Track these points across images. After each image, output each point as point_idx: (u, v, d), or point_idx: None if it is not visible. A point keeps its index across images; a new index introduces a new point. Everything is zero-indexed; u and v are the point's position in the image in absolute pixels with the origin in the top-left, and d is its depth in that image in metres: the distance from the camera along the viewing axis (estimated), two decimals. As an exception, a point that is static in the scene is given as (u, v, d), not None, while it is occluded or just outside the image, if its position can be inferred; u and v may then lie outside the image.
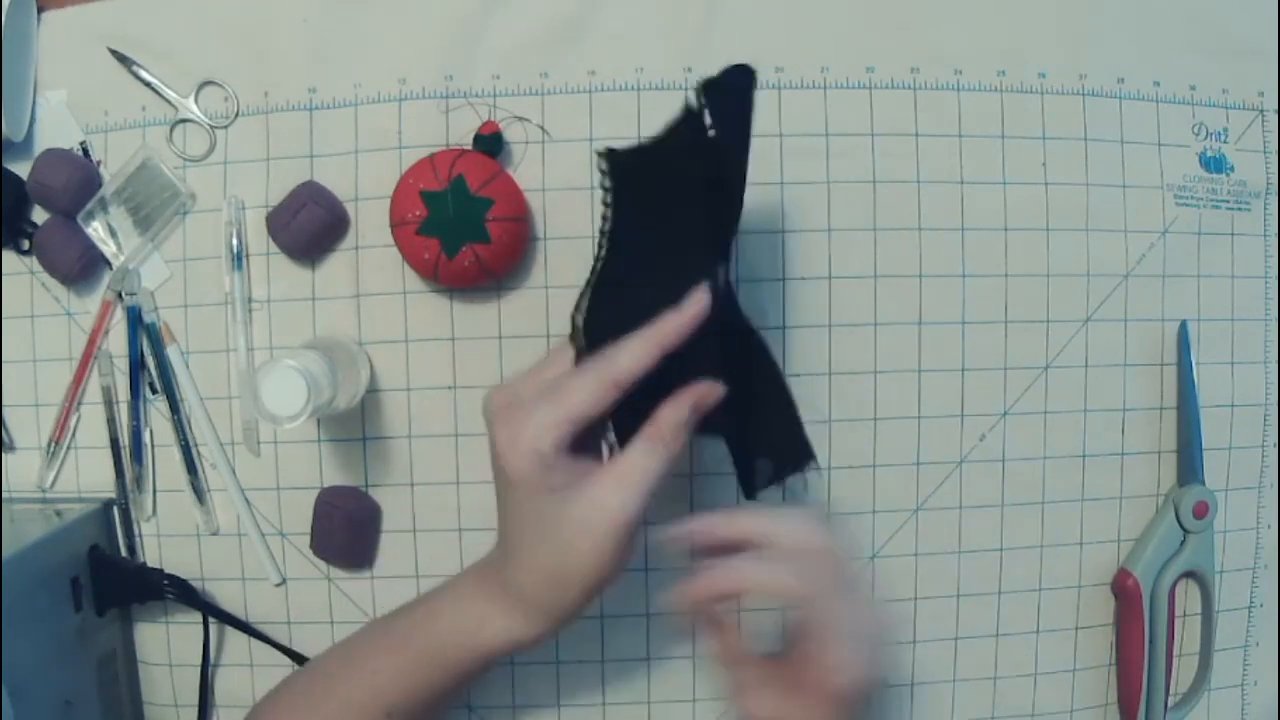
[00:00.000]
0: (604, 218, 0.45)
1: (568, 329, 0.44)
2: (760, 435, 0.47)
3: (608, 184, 0.44)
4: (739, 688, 0.43)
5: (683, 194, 0.43)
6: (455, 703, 0.53)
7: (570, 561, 0.40)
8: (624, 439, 0.42)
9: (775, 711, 0.42)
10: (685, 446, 0.42)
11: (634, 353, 0.41)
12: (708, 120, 0.41)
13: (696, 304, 0.42)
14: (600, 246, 0.45)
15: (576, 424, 0.40)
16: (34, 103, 0.53)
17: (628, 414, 0.42)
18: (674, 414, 0.41)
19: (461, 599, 0.45)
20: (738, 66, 0.42)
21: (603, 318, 0.44)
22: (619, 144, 0.44)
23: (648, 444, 0.41)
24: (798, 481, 0.49)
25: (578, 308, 0.44)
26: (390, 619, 0.48)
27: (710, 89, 0.41)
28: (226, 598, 0.55)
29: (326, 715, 0.46)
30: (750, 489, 0.47)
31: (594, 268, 0.45)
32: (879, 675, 0.41)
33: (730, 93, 0.42)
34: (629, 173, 0.44)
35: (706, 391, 0.42)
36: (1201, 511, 0.55)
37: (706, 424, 0.43)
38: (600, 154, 0.44)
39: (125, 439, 0.54)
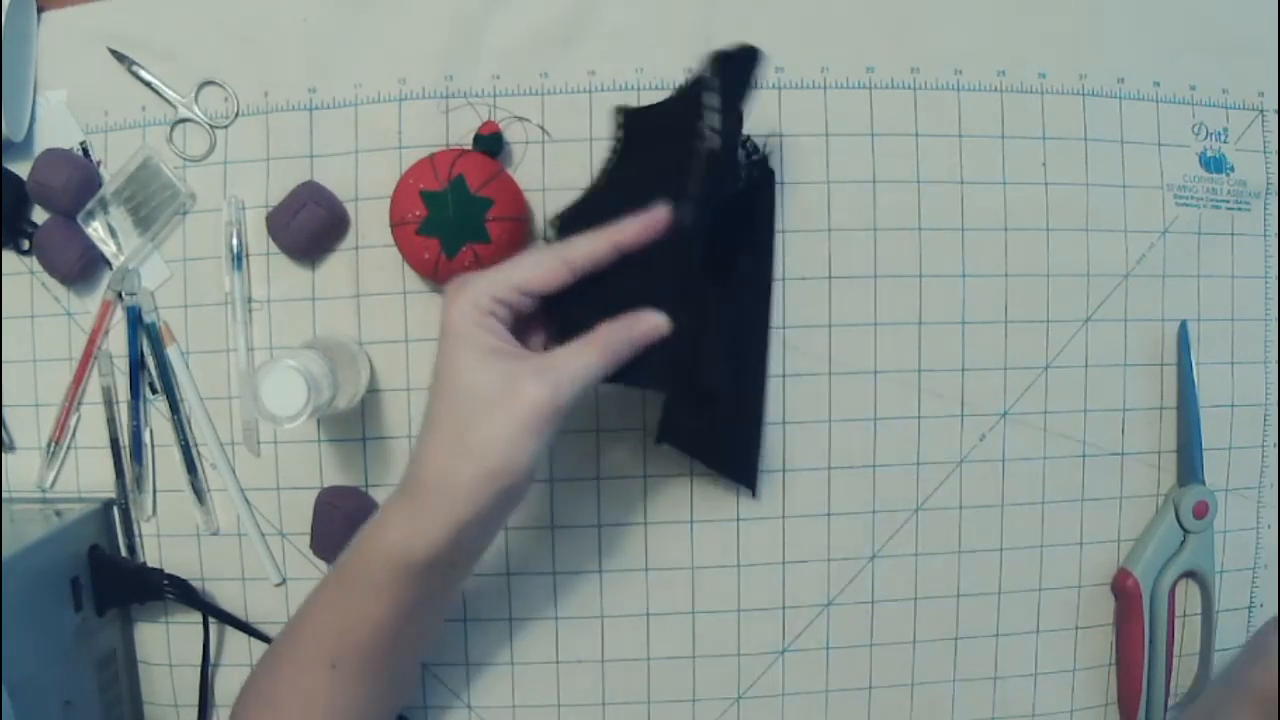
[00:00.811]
0: (606, 159, 0.49)
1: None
2: (720, 435, 0.50)
3: (619, 135, 0.48)
4: None
5: (675, 148, 0.45)
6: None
7: (479, 438, 0.39)
8: None
9: None
10: (621, 359, 0.42)
11: (589, 241, 0.43)
12: (713, 89, 0.44)
13: (657, 214, 0.43)
14: (594, 180, 0.49)
15: (520, 290, 0.41)
16: (34, 103, 0.53)
17: (574, 332, 0.43)
18: (611, 329, 0.42)
19: (385, 504, 0.43)
20: (747, 47, 0.46)
21: (575, 231, 0.45)
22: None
23: (578, 346, 0.41)
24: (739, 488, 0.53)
25: (556, 217, 0.47)
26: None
27: (720, 60, 0.45)
28: (226, 598, 0.55)
29: (285, 678, 0.45)
30: (666, 434, 0.49)
31: (583, 193, 0.48)
32: None
33: (735, 67, 0.45)
34: (636, 126, 0.48)
35: (650, 322, 0.43)
36: (1201, 511, 0.55)
37: (646, 371, 0.43)
38: (617, 109, 0.48)
39: (125, 439, 0.54)
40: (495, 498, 0.40)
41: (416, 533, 0.41)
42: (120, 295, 0.53)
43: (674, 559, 0.54)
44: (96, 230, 0.53)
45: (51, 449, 0.54)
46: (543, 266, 0.42)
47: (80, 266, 0.52)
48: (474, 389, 0.40)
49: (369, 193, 0.53)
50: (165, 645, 0.55)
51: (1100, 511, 0.56)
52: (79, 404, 0.54)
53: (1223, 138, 0.56)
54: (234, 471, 0.54)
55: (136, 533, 0.54)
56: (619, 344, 0.42)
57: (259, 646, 0.54)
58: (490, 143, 0.51)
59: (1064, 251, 0.54)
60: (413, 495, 0.41)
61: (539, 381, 0.40)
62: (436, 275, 0.50)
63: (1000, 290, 0.54)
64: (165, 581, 0.53)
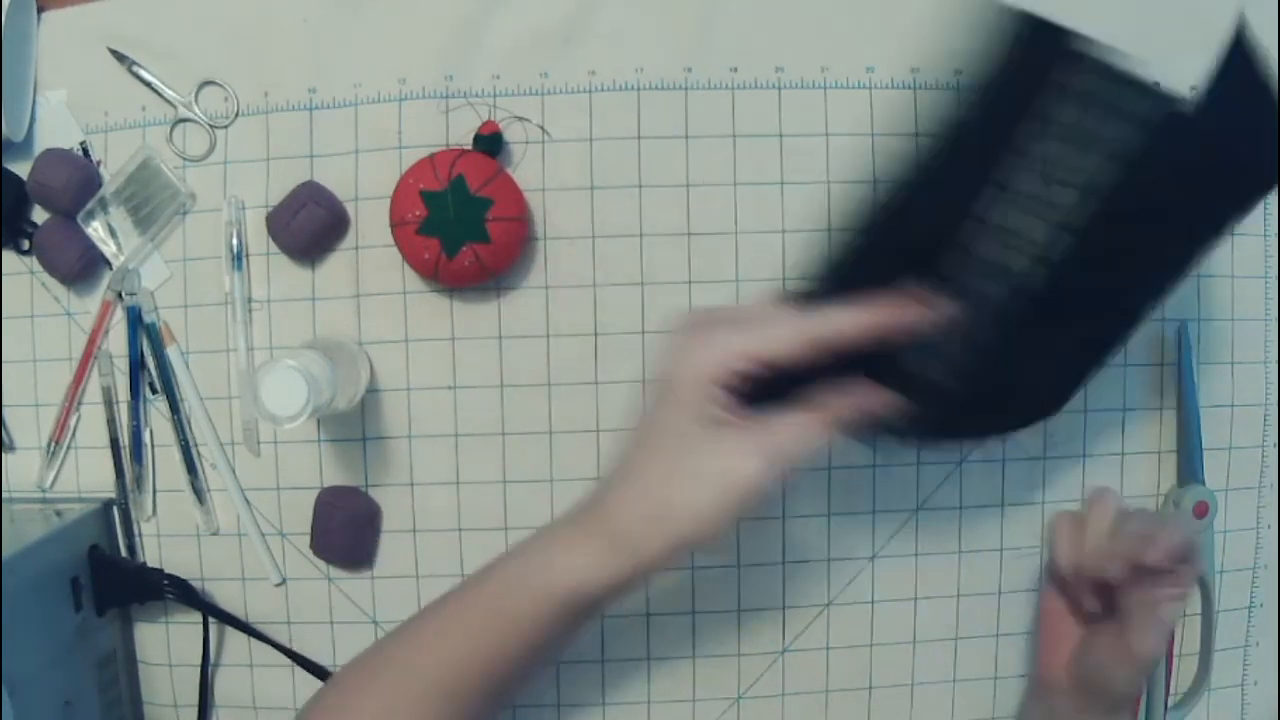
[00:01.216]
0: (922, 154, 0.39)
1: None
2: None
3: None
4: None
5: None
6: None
7: (684, 504, 0.38)
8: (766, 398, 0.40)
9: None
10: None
11: (849, 323, 0.38)
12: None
13: (940, 309, 0.38)
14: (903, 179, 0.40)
15: (760, 364, 0.38)
16: (34, 103, 0.53)
17: (788, 387, 0.39)
18: (842, 408, 0.39)
19: (550, 539, 0.41)
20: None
21: (858, 268, 0.39)
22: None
23: (805, 424, 0.39)
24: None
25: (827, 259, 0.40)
26: (463, 586, 0.44)
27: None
28: (226, 598, 0.55)
29: (398, 701, 0.42)
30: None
31: (882, 198, 0.40)
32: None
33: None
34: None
35: (883, 403, 0.40)
36: (1201, 511, 0.55)
37: (863, 430, 0.40)
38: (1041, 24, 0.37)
39: (125, 439, 0.54)
40: (683, 557, 0.40)
41: (600, 577, 0.40)
42: (120, 295, 0.53)
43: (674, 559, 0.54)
44: (96, 230, 0.53)
45: (51, 449, 0.54)
46: (789, 343, 0.38)
47: (80, 266, 0.52)
48: (694, 460, 0.39)
49: (369, 193, 0.53)
50: (165, 645, 0.55)
51: (1100, 511, 0.56)
52: (79, 404, 0.54)
53: (1223, 138, 0.55)
54: (234, 471, 0.54)
55: (136, 533, 0.54)
56: (843, 425, 0.39)
57: (259, 647, 0.54)
58: (490, 143, 0.51)
59: (1064, 251, 0.54)
60: (599, 540, 0.40)
61: (761, 459, 0.38)
62: (436, 275, 0.50)
63: (1000, 290, 0.54)
64: (165, 581, 0.53)
